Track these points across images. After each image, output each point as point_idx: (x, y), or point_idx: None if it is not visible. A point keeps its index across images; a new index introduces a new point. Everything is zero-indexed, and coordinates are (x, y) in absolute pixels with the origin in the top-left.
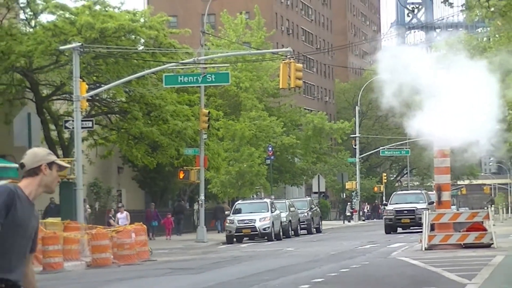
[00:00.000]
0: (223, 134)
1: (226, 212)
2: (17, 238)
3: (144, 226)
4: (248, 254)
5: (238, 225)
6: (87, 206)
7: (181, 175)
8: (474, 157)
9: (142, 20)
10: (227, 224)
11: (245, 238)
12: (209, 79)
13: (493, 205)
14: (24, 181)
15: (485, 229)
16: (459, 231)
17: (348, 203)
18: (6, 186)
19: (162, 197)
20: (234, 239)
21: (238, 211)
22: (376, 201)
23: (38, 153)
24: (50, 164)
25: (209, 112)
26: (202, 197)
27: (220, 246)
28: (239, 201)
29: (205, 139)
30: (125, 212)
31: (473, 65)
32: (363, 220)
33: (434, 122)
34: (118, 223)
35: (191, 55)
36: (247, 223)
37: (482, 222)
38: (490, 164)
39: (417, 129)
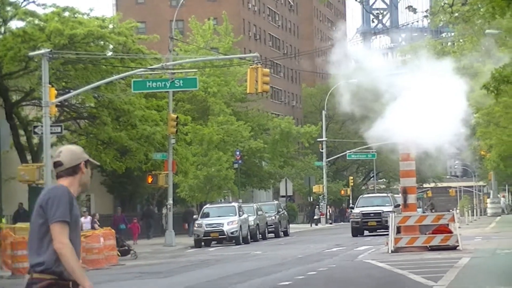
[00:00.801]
0: (191, 138)
1: (194, 216)
2: (75, 235)
3: (113, 230)
4: (216, 257)
5: (206, 229)
6: None
7: (150, 180)
8: (440, 160)
9: (111, 26)
10: (195, 228)
11: (213, 242)
12: (177, 84)
13: (433, 210)
14: (64, 180)
15: (450, 232)
16: (425, 234)
17: (317, 207)
18: (63, 187)
19: (131, 201)
20: (202, 243)
21: (206, 215)
22: (343, 204)
23: (75, 150)
24: (86, 162)
25: (177, 117)
26: (170, 201)
27: (188, 250)
28: (207, 205)
29: (173, 143)
30: (89, 216)
31: (438, 69)
32: (330, 223)
33: (398, 126)
34: (82, 228)
35: (159, 61)
36: (215, 227)
37: (448, 224)
38: (456, 167)
39: (380, 133)
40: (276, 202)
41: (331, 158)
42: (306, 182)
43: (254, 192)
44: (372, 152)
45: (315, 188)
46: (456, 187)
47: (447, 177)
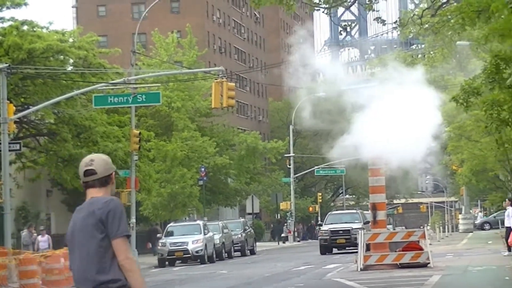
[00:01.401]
0: (154, 155)
1: (158, 235)
2: None
3: None
4: (180, 277)
5: (170, 248)
6: (33, 230)
7: None
8: (410, 175)
9: (71, 40)
10: (159, 247)
11: (177, 261)
12: (139, 99)
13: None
14: (98, 191)
15: (421, 249)
16: (395, 251)
17: (285, 224)
18: (117, 198)
19: None
20: (167, 263)
21: (170, 234)
22: (311, 221)
23: (106, 159)
24: (115, 172)
25: (140, 133)
26: (133, 220)
27: (152, 269)
28: (171, 224)
29: (136, 160)
30: (46, 235)
31: (408, 80)
32: (298, 241)
33: (366, 141)
34: (39, 247)
35: (121, 75)
36: (180, 245)
37: (418, 241)
38: (427, 182)
39: (348, 148)
40: (242, 219)
41: (299, 174)
42: (273, 199)
43: (220, 210)
44: (341, 167)
45: (283, 205)
46: (428, 203)
47: (418, 192)
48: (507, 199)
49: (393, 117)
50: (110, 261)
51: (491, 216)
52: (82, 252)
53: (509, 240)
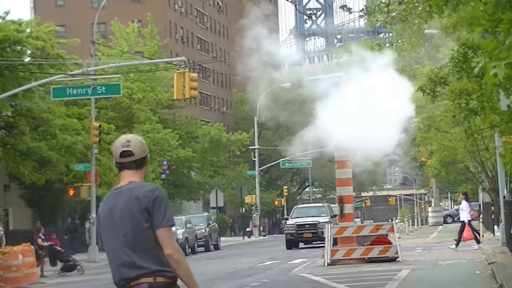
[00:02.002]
0: None
1: None
2: None
3: (32, 246)
4: None
5: None
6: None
7: (71, 192)
8: (378, 167)
9: (28, 30)
10: None
11: None
12: (99, 91)
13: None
14: (135, 173)
15: (390, 243)
16: (363, 245)
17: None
18: (160, 187)
19: (52, 215)
20: None
21: None
22: (277, 215)
23: (142, 141)
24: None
25: (100, 126)
26: (93, 215)
27: None
28: None
29: (96, 154)
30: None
31: (376, 70)
32: (264, 236)
33: (332, 131)
34: None
35: (80, 66)
36: None
37: (387, 235)
38: (395, 174)
39: (314, 139)
40: (206, 214)
41: (264, 167)
42: (238, 192)
43: (183, 204)
44: (307, 160)
45: (248, 199)
46: (396, 196)
47: (387, 185)
48: (461, 194)
49: (360, 107)
50: (157, 249)
51: (453, 209)
52: (126, 238)
53: (464, 236)
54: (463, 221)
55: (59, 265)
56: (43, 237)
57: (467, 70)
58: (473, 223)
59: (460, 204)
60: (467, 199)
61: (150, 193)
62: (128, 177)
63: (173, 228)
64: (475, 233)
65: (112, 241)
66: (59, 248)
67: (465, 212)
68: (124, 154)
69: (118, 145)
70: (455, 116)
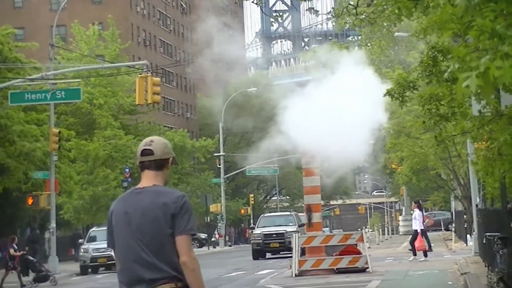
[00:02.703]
0: (75, 155)
1: (80, 240)
2: None
3: None
4: (104, 286)
5: (93, 254)
6: None
7: (30, 201)
8: (347, 175)
9: None
10: (81, 254)
11: (101, 268)
12: (59, 95)
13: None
14: (156, 175)
15: (359, 252)
16: (332, 255)
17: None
18: (186, 195)
19: (11, 225)
20: (89, 270)
21: (93, 239)
22: (242, 224)
23: (167, 143)
24: (172, 160)
25: (59, 132)
26: (53, 224)
27: (74, 277)
28: (94, 228)
29: (55, 161)
30: None
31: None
32: (230, 246)
33: (300, 137)
34: None
35: (39, 70)
36: (103, 252)
37: (356, 244)
38: (365, 182)
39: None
40: None
41: (229, 175)
42: (203, 201)
43: None
44: (274, 167)
45: (213, 207)
46: (366, 204)
47: (356, 193)
48: (413, 202)
49: (328, 111)
50: (176, 257)
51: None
52: (146, 240)
53: (416, 245)
54: (416, 230)
55: (32, 275)
56: (15, 247)
57: (437, 74)
58: (435, 233)
59: (413, 212)
60: (420, 208)
61: (178, 199)
62: (150, 178)
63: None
64: (425, 244)
65: (127, 240)
66: (31, 258)
67: (418, 221)
68: (144, 152)
69: (141, 144)
70: (425, 122)
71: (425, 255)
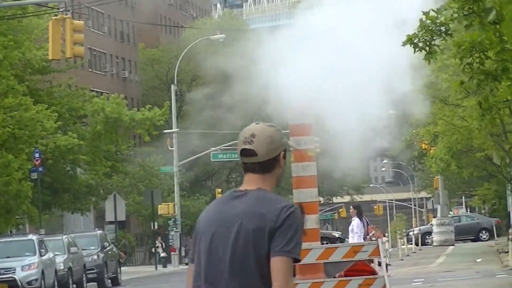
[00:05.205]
0: None
1: None
2: None
3: None
4: None
5: None
6: None
7: None
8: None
9: None
10: None
11: None
12: None
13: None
14: (263, 179)
15: (374, 272)
16: (334, 276)
17: (159, 237)
18: (298, 208)
19: None
20: None
21: None
22: None
23: (274, 135)
24: (284, 150)
25: None
26: None
27: None
28: None
29: None
30: None
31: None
32: (186, 264)
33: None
34: None
35: None
36: (4, 273)
37: (370, 260)
38: (383, 170)
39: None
40: (99, 232)
41: (186, 160)
42: (148, 199)
43: (65, 217)
44: None
45: (162, 208)
46: (386, 201)
47: (371, 185)
48: (351, 207)
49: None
50: (267, 285)
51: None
52: (232, 258)
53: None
54: None
55: None
56: None
57: (480, 14)
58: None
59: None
60: (360, 216)
61: (283, 211)
62: (254, 181)
63: (51, 254)
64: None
65: (208, 256)
66: None
67: (356, 235)
68: (245, 152)
69: (241, 138)
70: (464, 83)
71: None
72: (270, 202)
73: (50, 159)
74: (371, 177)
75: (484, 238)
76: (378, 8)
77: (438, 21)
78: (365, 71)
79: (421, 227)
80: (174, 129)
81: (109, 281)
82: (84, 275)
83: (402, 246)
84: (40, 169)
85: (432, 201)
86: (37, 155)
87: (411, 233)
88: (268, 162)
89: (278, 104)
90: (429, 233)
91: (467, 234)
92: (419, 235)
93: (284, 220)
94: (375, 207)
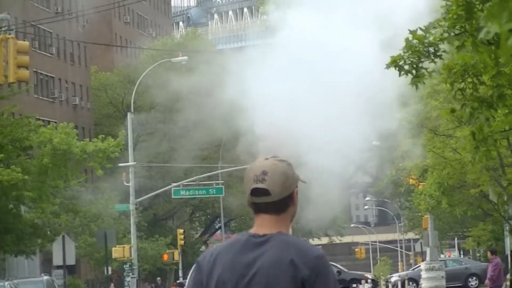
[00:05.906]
0: None
1: None
2: None
3: None
4: None
5: None
6: None
7: None
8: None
9: None
10: None
11: None
12: None
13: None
14: (276, 220)
15: None
16: None
17: (112, 284)
18: (325, 255)
19: None
20: None
21: None
22: (168, 277)
23: (287, 171)
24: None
25: None
26: None
27: None
28: None
29: None
30: None
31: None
32: None
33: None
34: None
35: None
36: None
37: None
38: (366, 208)
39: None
40: (46, 277)
41: (144, 197)
42: (101, 241)
43: (8, 261)
44: (218, 185)
45: (117, 251)
46: (368, 243)
47: (352, 226)
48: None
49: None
50: None
51: (415, 267)
52: None
53: None
54: None
55: None
56: None
57: (473, 33)
58: None
59: None
60: None
61: (316, 260)
62: (270, 225)
63: None
64: None
65: None
66: None
67: None
68: (256, 192)
69: (250, 176)
70: (455, 111)
71: None
72: (299, 247)
73: None
74: (352, 215)
75: (473, 285)
76: (362, 28)
77: (426, 41)
78: (345, 98)
79: (401, 273)
80: (131, 162)
81: None
82: None
83: None
84: None
85: (421, 243)
86: None
87: (393, 279)
88: (283, 200)
89: (249, 136)
90: (414, 279)
91: (453, 280)
92: (400, 282)
93: (319, 270)
94: (356, 249)
